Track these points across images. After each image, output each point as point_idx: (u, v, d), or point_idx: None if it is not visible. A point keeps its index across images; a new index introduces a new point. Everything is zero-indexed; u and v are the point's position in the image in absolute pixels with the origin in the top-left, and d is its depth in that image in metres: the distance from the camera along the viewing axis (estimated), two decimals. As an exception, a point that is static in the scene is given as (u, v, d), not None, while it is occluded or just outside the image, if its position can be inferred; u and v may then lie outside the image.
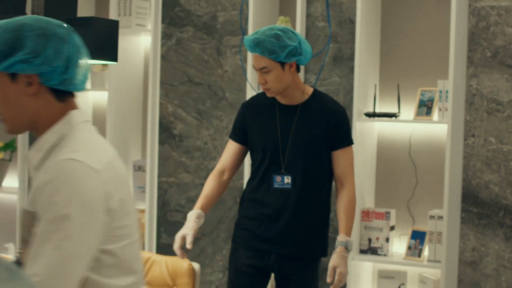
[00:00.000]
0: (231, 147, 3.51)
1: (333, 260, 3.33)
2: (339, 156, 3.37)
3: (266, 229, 3.36)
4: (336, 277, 3.29)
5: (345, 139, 3.39)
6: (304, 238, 3.38)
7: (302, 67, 4.59)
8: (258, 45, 3.20)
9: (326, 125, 3.35)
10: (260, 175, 3.39)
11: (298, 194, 3.33)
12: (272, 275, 3.48)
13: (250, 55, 4.36)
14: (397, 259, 4.39)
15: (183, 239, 3.34)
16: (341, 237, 3.38)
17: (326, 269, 4.37)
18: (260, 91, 3.56)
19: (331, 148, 3.37)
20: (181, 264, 3.53)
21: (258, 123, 3.41)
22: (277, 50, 3.20)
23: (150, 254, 3.68)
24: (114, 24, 3.05)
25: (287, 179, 3.32)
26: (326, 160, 3.37)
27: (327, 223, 3.45)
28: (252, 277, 3.41)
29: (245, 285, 3.42)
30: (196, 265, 3.54)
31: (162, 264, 3.59)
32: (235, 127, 3.51)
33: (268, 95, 3.34)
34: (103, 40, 2.98)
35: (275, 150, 3.34)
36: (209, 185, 3.48)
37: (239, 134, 3.48)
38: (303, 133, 3.33)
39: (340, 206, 3.42)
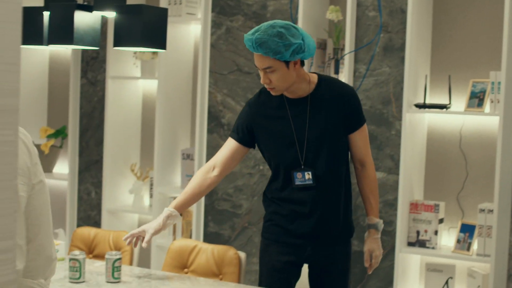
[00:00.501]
0: (230, 146, 3.38)
1: (368, 244, 3.36)
2: (356, 137, 3.31)
3: (300, 225, 3.30)
4: (373, 261, 3.36)
5: (360, 120, 3.32)
6: (337, 227, 3.33)
7: (349, 57, 4.55)
8: (261, 46, 3.06)
9: (341, 111, 3.26)
10: (282, 174, 3.30)
11: (324, 187, 3.25)
12: (304, 268, 3.44)
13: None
14: (445, 252, 4.33)
15: (140, 234, 3.32)
16: (371, 220, 3.37)
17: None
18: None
19: (348, 131, 3.29)
20: (228, 253, 3.55)
21: (268, 122, 3.31)
22: (281, 49, 3.06)
23: (196, 242, 3.70)
24: (163, 12, 3.05)
25: (308, 175, 3.24)
26: (345, 145, 3.30)
27: (351, 205, 3.41)
28: (287, 273, 3.36)
29: (281, 281, 3.35)
30: (242, 254, 3.55)
31: (209, 253, 3.61)
32: (238, 126, 3.37)
33: (273, 93, 3.23)
34: (153, 28, 2.98)
35: (292, 147, 3.25)
36: (192, 183, 3.40)
37: (242, 134, 3.35)
38: (319, 125, 3.24)
39: (365, 187, 3.38)
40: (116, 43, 3.02)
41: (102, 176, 5.48)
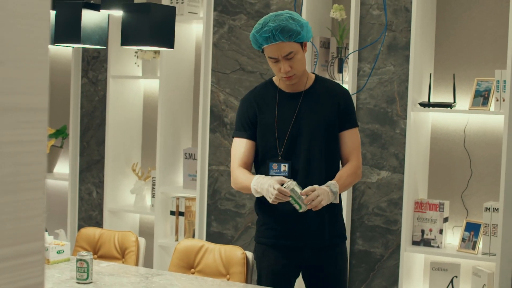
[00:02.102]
0: (243, 144, 3.33)
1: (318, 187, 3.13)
2: (346, 137, 3.30)
3: (294, 224, 3.27)
4: (314, 196, 3.07)
5: (352, 121, 3.33)
6: (331, 224, 3.31)
7: (353, 56, 4.54)
8: (283, 31, 3.11)
9: (335, 108, 3.27)
10: (265, 168, 3.28)
11: (304, 182, 3.18)
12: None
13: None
14: (450, 251, 4.32)
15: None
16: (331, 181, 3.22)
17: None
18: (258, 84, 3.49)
19: (340, 129, 3.29)
20: (235, 252, 3.53)
21: (260, 114, 3.30)
22: (299, 30, 3.14)
23: (203, 242, 3.68)
24: (172, 11, 3.03)
25: (284, 167, 3.21)
26: (335, 145, 3.28)
27: (341, 205, 3.38)
28: (287, 276, 3.34)
29: (281, 283, 3.34)
30: (249, 254, 3.53)
31: (216, 253, 3.59)
32: (242, 123, 3.34)
33: (291, 82, 3.23)
34: (160, 27, 2.96)
35: (273, 138, 3.25)
36: (247, 172, 3.29)
37: (250, 130, 3.33)
38: (308, 120, 3.24)
39: (343, 168, 3.29)
40: (124, 42, 2.99)
41: (104, 176, 5.46)
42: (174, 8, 3.05)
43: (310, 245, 3.29)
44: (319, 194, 3.07)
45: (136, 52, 5.36)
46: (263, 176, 3.17)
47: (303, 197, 3.05)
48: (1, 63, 1.15)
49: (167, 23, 2.99)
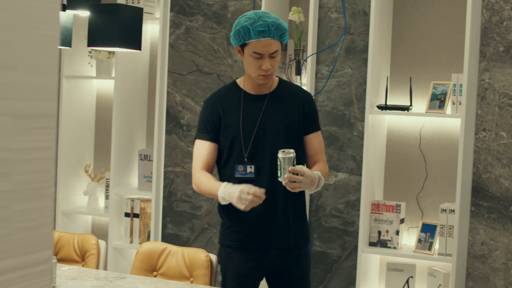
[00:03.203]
0: (206, 147, 3.32)
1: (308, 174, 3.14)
2: (311, 139, 3.32)
3: (260, 227, 3.27)
4: (296, 178, 3.07)
5: (317, 124, 3.36)
6: (296, 226, 3.32)
7: (311, 58, 4.56)
8: (278, 28, 3.14)
9: (300, 111, 3.30)
10: (229, 169, 3.28)
11: (269, 183, 3.20)
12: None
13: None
14: (407, 252, 4.38)
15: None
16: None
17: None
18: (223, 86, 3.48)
19: (305, 133, 3.31)
20: (199, 255, 3.51)
21: (224, 116, 3.30)
22: (287, 31, 3.21)
23: (166, 245, 3.65)
24: (139, 12, 3.00)
25: (250, 168, 3.21)
26: (300, 146, 3.28)
27: (304, 207, 3.39)
28: (252, 278, 3.34)
29: (246, 286, 3.34)
30: (213, 257, 3.51)
31: (179, 255, 3.57)
32: (206, 125, 3.32)
33: (265, 81, 3.24)
34: (129, 28, 2.93)
35: (238, 140, 3.24)
36: (209, 175, 3.27)
37: (213, 132, 3.31)
38: (273, 122, 3.25)
39: (320, 168, 3.30)
40: (91, 43, 2.95)
41: (56, 178, 5.38)
42: (141, 9, 3.02)
43: (275, 247, 3.30)
44: (301, 182, 3.07)
45: (90, 52, 5.29)
46: (231, 184, 3.14)
47: (289, 173, 3.06)
48: (14, 68, 1.12)
49: (135, 24, 2.97)
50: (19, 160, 1.14)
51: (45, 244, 1.19)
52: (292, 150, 3.09)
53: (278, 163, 3.08)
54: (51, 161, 1.20)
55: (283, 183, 3.08)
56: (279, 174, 3.09)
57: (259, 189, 3.06)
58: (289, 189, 3.10)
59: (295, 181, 3.07)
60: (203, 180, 3.26)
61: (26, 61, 1.15)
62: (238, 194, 3.06)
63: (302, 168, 3.10)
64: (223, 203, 3.18)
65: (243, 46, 3.21)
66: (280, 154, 3.07)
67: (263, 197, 3.05)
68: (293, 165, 3.08)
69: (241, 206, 3.06)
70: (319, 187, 3.20)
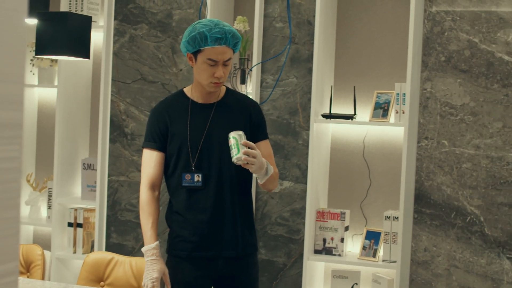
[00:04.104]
0: (155, 158, 3.31)
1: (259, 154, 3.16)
2: (260, 147, 3.31)
3: (208, 236, 3.27)
4: (252, 153, 3.08)
5: (264, 132, 3.38)
6: (243, 234, 3.33)
7: (256, 67, 4.59)
8: (234, 36, 3.18)
9: (247, 119, 3.32)
10: (177, 178, 3.29)
11: (218, 192, 3.24)
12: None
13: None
14: (351, 259, 4.43)
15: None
16: None
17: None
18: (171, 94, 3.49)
19: (252, 141, 3.27)
20: (147, 264, 3.48)
21: (171, 125, 3.30)
22: (241, 39, 3.27)
23: (113, 254, 3.63)
24: (88, 20, 2.98)
25: (197, 177, 3.22)
26: None
27: (252, 216, 3.41)
28: (201, 287, 3.35)
29: None
30: (162, 266, 3.49)
31: (126, 265, 3.55)
32: (152, 134, 3.32)
33: (216, 89, 3.26)
34: (77, 36, 2.91)
35: (185, 149, 3.26)
36: (150, 209, 3.28)
37: (160, 141, 3.31)
38: (220, 131, 3.25)
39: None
40: (39, 51, 2.92)
41: None
42: (90, 17, 3.00)
43: (223, 256, 3.30)
44: (256, 156, 3.08)
45: (31, 60, 5.22)
46: (156, 256, 3.19)
47: (244, 148, 3.07)
48: (-18, 78, 1.11)
49: (83, 33, 2.95)
50: (-14, 171, 1.12)
51: (12, 256, 1.18)
52: (241, 131, 3.13)
53: (232, 142, 3.08)
54: (18, 171, 1.18)
55: (243, 158, 3.07)
56: (235, 153, 3.08)
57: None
58: (246, 166, 3.08)
59: (253, 157, 3.07)
60: (143, 213, 3.28)
61: (-6, 70, 1.13)
62: (146, 275, 3.15)
63: (253, 144, 3.12)
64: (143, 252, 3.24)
65: (196, 53, 3.20)
66: (233, 134, 3.09)
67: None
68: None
69: (145, 282, 3.15)
70: (268, 174, 3.19)
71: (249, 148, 3.09)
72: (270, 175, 3.26)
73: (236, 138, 3.09)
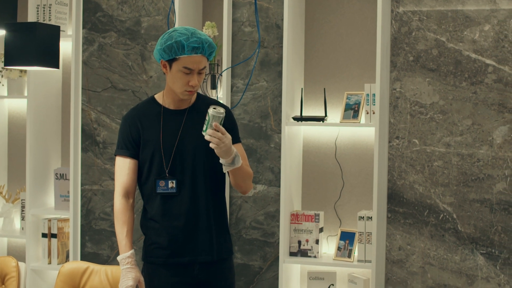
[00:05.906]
0: (128, 166, 3.32)
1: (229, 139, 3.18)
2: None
3: (183, 242, 3.29)
4: (220, 136, 3.11)
5: (237, 136, 3.40)
6: (218, 239, 3.35)
7: (226, 72, 4.60)
8: (210, 46, 3.20)
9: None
10: (151, 185, 3.30)
11: (191, 198, 3.27)
12: None
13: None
14: (327, 260, 4.45)
15: None
16: None
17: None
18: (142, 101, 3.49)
19: None
20: (123, 273, 3.48)
21: (143, 131, 3.31)
22: (216, 48, 3.27)
23: (88, 264, 3.62)
24: (56, 30, 2.98)
25: (172, 184, 3.24)
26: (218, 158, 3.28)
27: (227, 220, 3.42)
28: None
29: None
30: (137, 274, 3.49)
31: (102, 274, 3.54)
32: (125, 141, 3.33)
33: (190, 97, 3.28)
34: (47, 46, 2.91)
35: (159, 156, 3.27)
36: (124, 217, 3.29)
37: (132, 148, 3.32)
38: (193, 137, 3.27)
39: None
40: (8, 62, 2.91)
41: (-32, 200, 5.24)
42: (58, 27, 3.00)
43: (199, 261, 3.31)
44: (224, 141, 3.09)
45: (0, 71, 5.19)
46: (131, 265, 3.20)
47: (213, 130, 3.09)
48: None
49: (52, 43, 2.94)
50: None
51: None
52: (223, 110, 3.13)
53: (207, 117, 3.11)
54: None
55: (205, 137, 3.11)
56: (204, 128, 3.11)
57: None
58: (211, 145, 3.10)
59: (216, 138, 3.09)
60: (118, 225, 3.28)
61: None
62: (122, 284, 3.15)
63: (224, 130, 3.13)
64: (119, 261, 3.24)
65: (171, 61, 3.20)
66: (211, 111, 3.10)
67: None
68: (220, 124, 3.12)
69: None
70: (235, 164, 3.19)
71: (217, 131, 3.10)
72: (241, 169, 3.25)
73: (209, 115, 3.10)
